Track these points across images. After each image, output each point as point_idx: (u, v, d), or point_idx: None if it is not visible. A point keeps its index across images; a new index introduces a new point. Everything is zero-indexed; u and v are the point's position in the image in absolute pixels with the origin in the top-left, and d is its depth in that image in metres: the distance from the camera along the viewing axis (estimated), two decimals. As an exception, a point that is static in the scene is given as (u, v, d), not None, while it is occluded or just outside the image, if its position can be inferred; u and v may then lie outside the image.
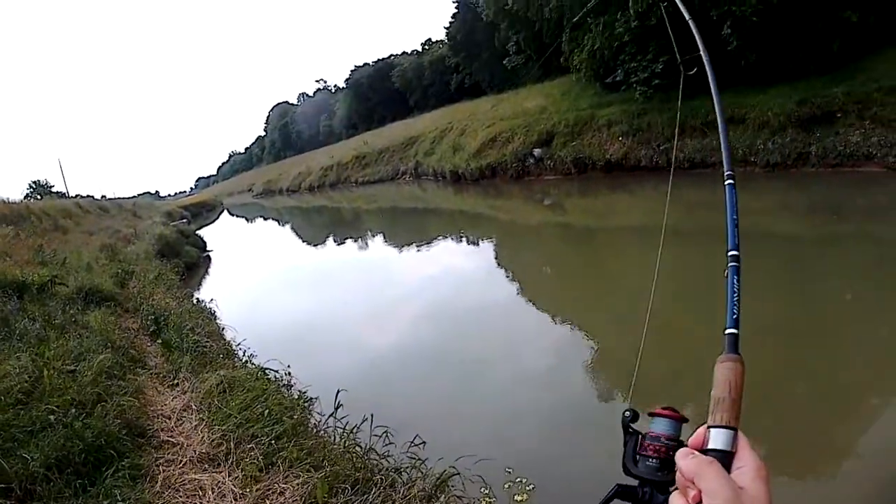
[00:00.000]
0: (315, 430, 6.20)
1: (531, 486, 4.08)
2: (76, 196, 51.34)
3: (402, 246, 23.61)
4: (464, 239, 22.17)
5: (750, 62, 20.75)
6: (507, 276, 16.21)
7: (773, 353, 8.17)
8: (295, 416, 6.16)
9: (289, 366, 8.22)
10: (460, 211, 29.66)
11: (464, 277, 16.48)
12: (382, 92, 75.35)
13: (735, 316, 1.04)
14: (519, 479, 3.94)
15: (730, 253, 1.13)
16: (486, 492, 4.09)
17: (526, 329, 11.19)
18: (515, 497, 3.78)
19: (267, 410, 6.19)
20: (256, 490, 4.79)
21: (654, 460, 0.99)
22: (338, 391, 6.48)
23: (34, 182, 62.55)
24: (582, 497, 5.34)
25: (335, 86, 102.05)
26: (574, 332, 10.58)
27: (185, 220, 38.98)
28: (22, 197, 40.38)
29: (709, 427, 0.95)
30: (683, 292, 11.32)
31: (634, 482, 1.00)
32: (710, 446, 0.92)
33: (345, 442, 5.62)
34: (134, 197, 70.47)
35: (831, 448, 6.15)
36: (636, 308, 11.19)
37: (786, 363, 7.97)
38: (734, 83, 21.44)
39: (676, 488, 0.94)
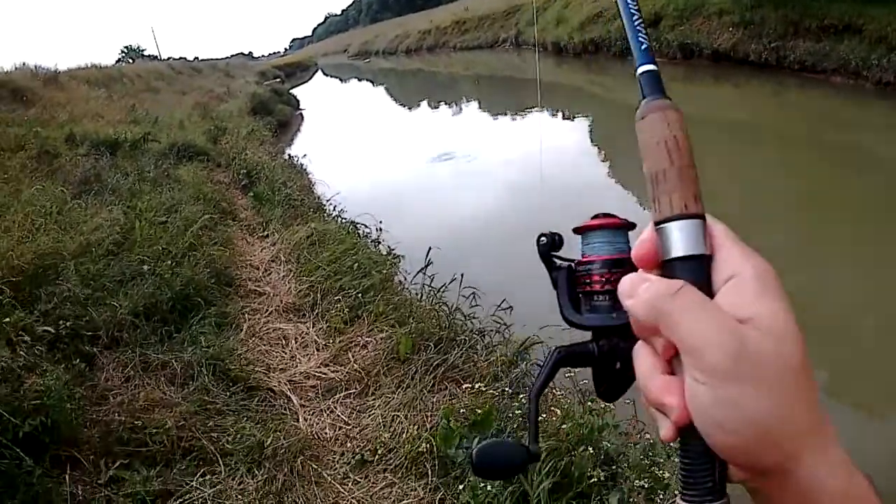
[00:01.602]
0: (401, 288, 6.08)
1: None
2: (168, 58, 51.76)
3: (497, 114, 22.87)
4: (559, 112, 21.14)
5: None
6: (600, 156, 15.47)
7: (850, 274, 7.65)
8: (384, 272, 6.04)
9: (381, 221, 8.04)
10: (560, 83, 28.40)
11: (557, 152, 15.80)
12: (488, -43, 71.90)
13: (644, 46, 0.62)
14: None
15: None
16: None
17: (614, 209, 10.76)
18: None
19: (356, 264, 6.06)
20: (339, 342, 4.72)
21: (602, 297, 0.60)
22: (429, 248, 6.25)
23: (126, 47, 63.62)
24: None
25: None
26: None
27: (278, 80, 38.98)
28: (114, 61, 41.04)
29: (656, 225, 0.54)
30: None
31: (586, 336, 0.62)
32: (670, 255, 0.52)
33: (431, 300, 5.43)
34: (227, 58, 70.50)
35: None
36: (720, 200, 10.61)
37: (864, 284, 7.34)
38: (857, -13, 19.03)
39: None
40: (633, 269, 0.56)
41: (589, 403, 3.59)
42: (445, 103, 28.56)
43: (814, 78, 19.46)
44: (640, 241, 0.55)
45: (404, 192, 12.88)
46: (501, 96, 28.36)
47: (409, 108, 30.00)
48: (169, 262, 5.73)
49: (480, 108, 26.05)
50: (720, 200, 11.18)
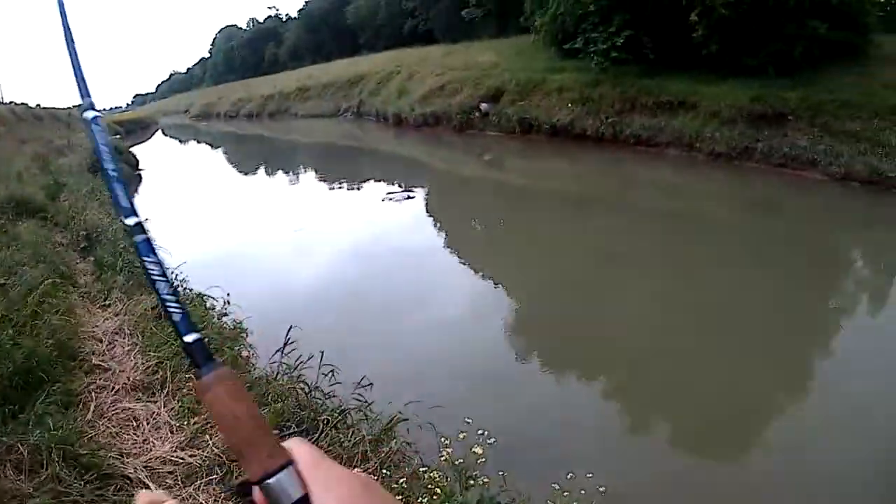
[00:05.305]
0: (253, 365, 5.82)
1: (493, 440, 3.83)
2: (10, 102, 47.64)
3: (334, 183, 22.83)
4: (396, 183, 21.25)
5: (712, 53, 20.25)
6: (434, 224, 16.00)
7: (690, 335, 8.29)
8: (235, 349, 5.76)
9: (228, 294, 7.67)
10: (398, 155, 28.82)
11: (394, 222, 16.08)
12: (334, 27, 71.42)
13: (181, 313, 0.61)
14: (480, 431, 3.71)
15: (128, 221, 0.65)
16: (446, 441, 3.82)
17: (443, 269, 11.29)
18: (473, 449, 3.53)
19: (205, 339, 5.74)
20: (194, 423, 4.41)
21: None
22: (290, 327, 5.92)
23: (-34, 89, 58.27)
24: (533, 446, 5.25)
25: (287, 14, 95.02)
26: (501, 290, 10.64)
27: (118, 137, 36.92)
28: (-47, 103, 37.34)
29: (255, 486, 0.60)
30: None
31: None
32: None
33: (291, 379, 5.22)
34: (69, 108, 65.96)
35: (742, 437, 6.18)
36: (553, 269, 11.19)
37: (699, 346, 8.02)
38: (694, 67, 21.04)
39: None
40: None
41: (471, 482, 3.60)
42: (283, 170, 28.24)
43: (649, 151, 20.80)
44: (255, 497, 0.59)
45: (243, 262, 12.49)
46: (339, 165, 28.21)
47: (247, 174, 29.25)
48: (10, 330, 5.17)
49: (317, 176, 26.11)
50: (548, 260, 11.79)
